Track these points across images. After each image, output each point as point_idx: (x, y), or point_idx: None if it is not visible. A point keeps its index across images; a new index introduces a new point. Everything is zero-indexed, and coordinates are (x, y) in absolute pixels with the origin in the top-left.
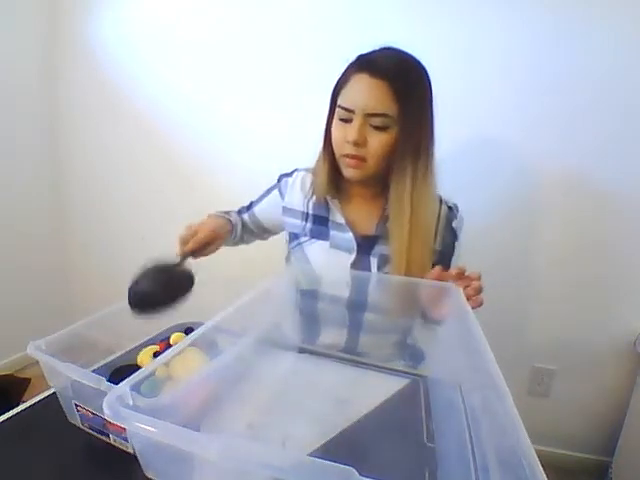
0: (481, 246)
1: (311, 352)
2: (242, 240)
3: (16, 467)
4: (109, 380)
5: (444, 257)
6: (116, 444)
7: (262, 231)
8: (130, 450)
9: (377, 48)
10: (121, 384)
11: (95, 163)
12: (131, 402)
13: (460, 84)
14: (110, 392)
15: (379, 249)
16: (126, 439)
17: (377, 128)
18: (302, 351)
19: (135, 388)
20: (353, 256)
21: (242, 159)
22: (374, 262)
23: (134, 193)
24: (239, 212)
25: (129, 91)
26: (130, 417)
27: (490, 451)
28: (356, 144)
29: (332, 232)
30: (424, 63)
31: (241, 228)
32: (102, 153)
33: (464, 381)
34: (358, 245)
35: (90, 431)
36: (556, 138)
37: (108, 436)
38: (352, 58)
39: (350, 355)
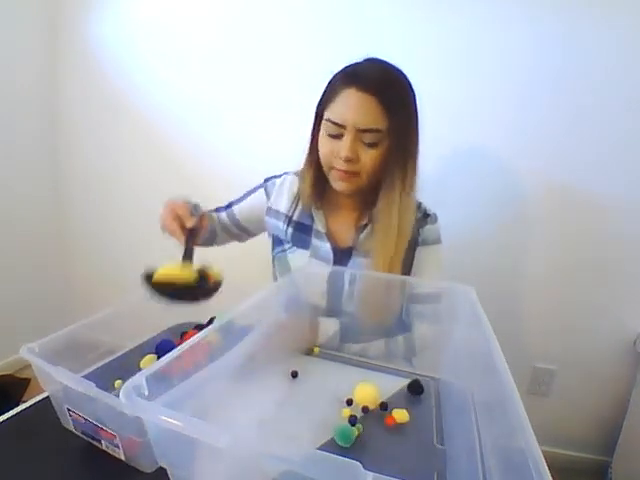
0: (481, 246)
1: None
2: (216, 236)
3: (16, 467)
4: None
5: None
6: (108, 450)
7: (240, 230)
8: (122, 457)
9: (361, 60)
10: (137, 375)
11: (95, 163)
12: (147, 392)
13: (460, 84)
14: (126, 382)
15: (353, 262)
16: (117, 446)
17: (369, 144)
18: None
19: (150, 379)
20: (330, 268)
21: (242, 159)
22: (347, 276)
23: (134, 193)
24: (216, 210)
25: (129, 91)
26: (146, 407)
27: (499, 455)
28: (348, 160)
29: (313, 241)
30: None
31: (217, 224)
32: (102, 153)
33: (475, 384)
34: (335, 256)
35: (83, 436)
36: (557, 140)
37: (100, 442)
38: (336, 70)
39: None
